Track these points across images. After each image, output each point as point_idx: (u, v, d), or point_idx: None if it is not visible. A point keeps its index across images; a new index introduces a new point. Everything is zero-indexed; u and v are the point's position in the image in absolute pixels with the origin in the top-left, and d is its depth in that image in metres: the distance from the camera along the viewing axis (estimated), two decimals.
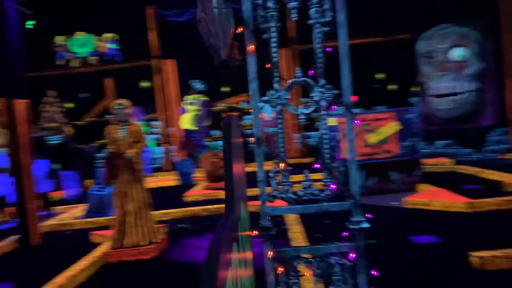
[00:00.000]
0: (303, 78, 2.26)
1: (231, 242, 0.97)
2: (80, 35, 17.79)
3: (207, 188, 11.59)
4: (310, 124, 18.12)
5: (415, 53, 14.67)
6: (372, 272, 2.26)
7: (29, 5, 13.35)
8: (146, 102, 17.95)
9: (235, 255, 1.05)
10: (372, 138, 8.94)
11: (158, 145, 17.56)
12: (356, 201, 2.21)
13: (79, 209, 10.03)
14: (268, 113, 18.95)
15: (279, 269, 2.17)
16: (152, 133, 18.08)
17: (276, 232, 2.15)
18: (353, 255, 2.25)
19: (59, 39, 17.78)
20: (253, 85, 2.21)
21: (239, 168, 1.53)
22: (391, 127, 8.88)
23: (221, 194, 10.37)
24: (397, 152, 8.92)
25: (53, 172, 12.04)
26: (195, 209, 8.61)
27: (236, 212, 1.14)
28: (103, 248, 6.60)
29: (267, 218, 2.17)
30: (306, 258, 2.26)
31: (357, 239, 2.24)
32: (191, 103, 18.25)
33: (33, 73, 17.69)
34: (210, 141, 18.16)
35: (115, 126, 5.78)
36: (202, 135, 18.17)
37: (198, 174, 12.83)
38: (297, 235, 6.08)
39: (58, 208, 10.67)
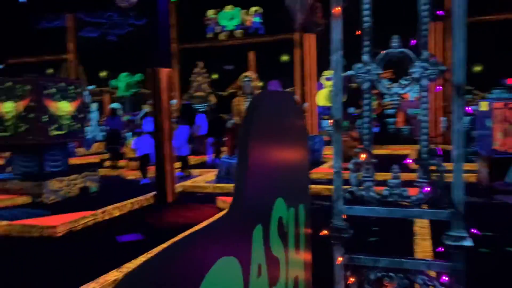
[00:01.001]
0: (400, 49, 1.81)
1: (216, 249, 0.73)
2: (228, 9, 18.58)
3: None
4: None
5: None
6: None
7: None
8: (285, 76, 18.11)
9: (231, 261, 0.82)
10: None
11: None
12: (458, 211, 1.72)
13: (212, 174, 10.66)
14: (412, 93, 17.51)
15: (350, 279, 1.84)
16: None
17: (350, 235, 1.81)
18: (447, 278, 1.77)
19: (210, 13, 18.85)
20: (337, 56, 1.85)
21: (288, 155, 1.27)
22: None
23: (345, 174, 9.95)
24: None
25: (194, 137, 13.02)
26: (318, 187, 8.36)
27: (251, 209, 0.90)
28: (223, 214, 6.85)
29: (341, 217, 1.84)
30: (387, 271, 1.87)
31: (455, 259, 1.75)
32: (327, 79, 17.83)
33: (187, 45, 19.23)
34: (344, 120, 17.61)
35: (241, 98, 5.85)
36: None
37: (328, 152, 12.53)
38: (423, 231, 5.46)
39: (195, 171, 11.52)
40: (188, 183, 9.81)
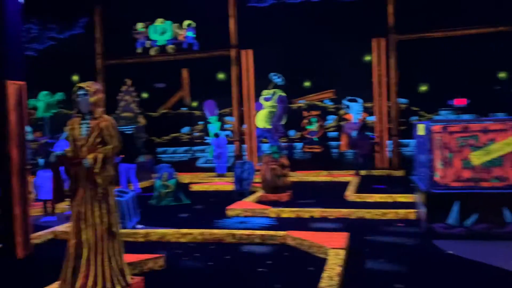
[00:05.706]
0: None
1: None
2: (159, 22, 16.99)
3: (261, 199, 9.65)
4: (407, 129, 15.12)
5: None
6: None
7: None
8: (222, 95, 16.56)
9: None
10: (478, 158, 6.17)
11: (229, 142, 16.01)
12: None
13: None
14: (355, 114, 16.31)
15: None
16: (224, 129, 16.65)
17: None
18: None
19: (139, 26, 17.17)
20: None
21: None
22: (508, 143, 6.02)
23: (272, 212, 8.32)
24: None
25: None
26: (219, 232, 6.58)
27: None
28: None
29: None
30: None
31: None
32: (266, 99, 16.43)
33: (113, 60, 17.39)
34: (286, 142, 16.16)
35: (76, 119, 4.12)
36: (277, 134, 16.23)
37: (257, 180, 10.91)
38: None
39: None
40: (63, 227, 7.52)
